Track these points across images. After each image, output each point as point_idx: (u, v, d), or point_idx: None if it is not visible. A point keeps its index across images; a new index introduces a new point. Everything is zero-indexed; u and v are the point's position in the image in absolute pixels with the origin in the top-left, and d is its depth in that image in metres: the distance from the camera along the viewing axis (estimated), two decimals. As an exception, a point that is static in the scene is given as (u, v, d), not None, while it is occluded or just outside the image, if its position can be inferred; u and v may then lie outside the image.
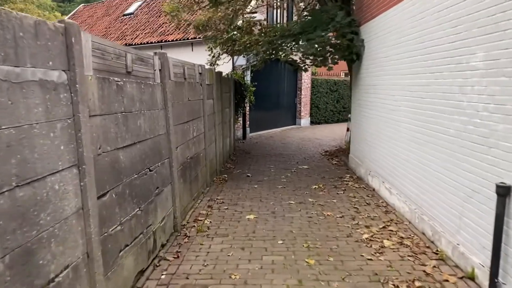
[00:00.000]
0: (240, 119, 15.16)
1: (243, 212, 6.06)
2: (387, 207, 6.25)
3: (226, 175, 8.64)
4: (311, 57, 10.57)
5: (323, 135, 16.27)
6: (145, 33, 18.96)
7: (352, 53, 8.41)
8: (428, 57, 4.92)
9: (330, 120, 21.89)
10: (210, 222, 5.59)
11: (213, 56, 12.80)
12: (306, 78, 20.13)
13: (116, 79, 3.60)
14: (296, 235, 5.06)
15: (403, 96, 5.82)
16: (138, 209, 3.98)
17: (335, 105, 22.05)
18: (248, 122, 16.05)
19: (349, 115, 12.47)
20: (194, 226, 5.44)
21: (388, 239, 4.87)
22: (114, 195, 3.45)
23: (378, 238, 4.90)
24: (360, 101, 8.46)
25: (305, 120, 20.35)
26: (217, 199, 6.79)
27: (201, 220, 5.68)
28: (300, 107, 19.98)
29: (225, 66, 13.48)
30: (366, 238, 4.89)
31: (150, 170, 4.39)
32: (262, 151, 12.32)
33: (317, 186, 7.58)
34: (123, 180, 3.64)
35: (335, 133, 17.16)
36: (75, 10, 26.52)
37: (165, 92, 5.03)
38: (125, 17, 21.24)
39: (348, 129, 12.25)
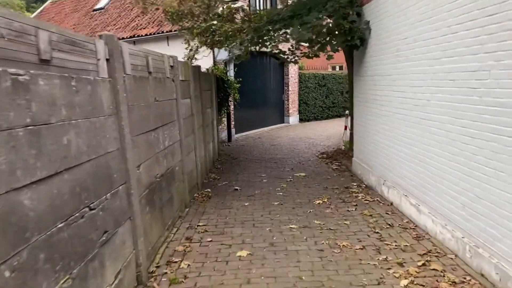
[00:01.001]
0: (224, 119, 13.72)
1: (233, 245, 4.63)
2: (416, 230, 4.89)
3: (209, 190, 7.20)
4: (306, 45, 9.20)
5: (316, 134, 14.92)
6: (116, 29, 17.34)
7: (355, 37, 7.03)
8: (484, 31, 3.56)
9: (320, 117, 20.59)
10: (188, 265, 4.13)
11: (191, 50, 11.31)
12: (293, 73, 18.77)
13: (12, 71, 2.14)
14: (308, 285, 3.65)
15: (437, 87, 4.46)
16: (67, 277, 2.51)
17: (324, 101, 20.76)
18: (233, 123, 14.61)
19: (347, 112, 11.14)
20: (166, 272, 3.99)
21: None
22: (9, 273, 1.98)
23: (422, 286, 3.52)
24: (366, 95, 7.10)
25: (293, 118, 18.99)
26: (198, 225, 5.34)
27: (176, 262, 4.22)
28: (288, 104, 18.61)
29: (205, 60, 12.00)
30: (405, 286, 3.51)
31: (91, 209, 2.93)
32: (251, 155, 10.90)
33: (321, 201, 6.19)
34: (30, 241, 2.17)
35: (327, 131, 15.83)
36: (42, 7, 24.62)
37: (117, 91, 3.56)
38: (95, 12, 19.56)
39: (346, 127, 10.90)
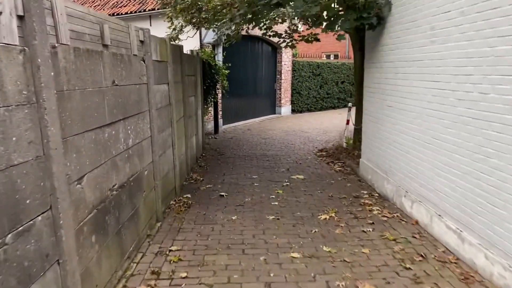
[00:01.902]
0: (211, 109, 12.40)
1: (215, 286, 3.38)
2: (460, 266, 3.70)
3: (189, 195, 5.93)
4: (304, 28, 7.94)
5: (310, 127, 13.69)
6: (95, 6, 15.84)
7: (371, 15, 5.77)
8: None
9: (313, 108, 19.36)
10: (150, 324, 2.88)
11: (174, 29, 9.95)
12: (286, 60, 17.45)
13: None
14: None
15: (501, 75, 3.23)
16: None
17: (318, 91, 19.52)
18: (220, 113, 13.31)
19: (349, 104, 9.92)
20: (116, 336, 2.73)
21: None
22: None
23: None
24: (382, 85, 5.87)
25: (285, 109, 17.74)
26: (170, 250, 4.07)
27: (133, 316, 2.96)
28: (280, 94, 17.32)
29: (190, 42, 10.64)
30: None
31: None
32: (239, 150, 9.63)
33: (327, 216, 4.97)
34: None
35: (323, 124, 14.61)
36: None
37: (37, 68, 2.26)
38: (72, -13, 17.89)
39: (348, 122, 9.69)
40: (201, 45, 12.12)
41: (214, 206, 5.45)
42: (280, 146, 10.16)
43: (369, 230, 4.51)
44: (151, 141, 4.74)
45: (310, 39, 9.73)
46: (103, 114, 3.29)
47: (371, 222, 4.76)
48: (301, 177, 6.98)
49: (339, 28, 5.83)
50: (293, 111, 18.33)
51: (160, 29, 10.78)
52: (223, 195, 5.93)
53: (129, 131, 3.97)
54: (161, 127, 5.28)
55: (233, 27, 7.16)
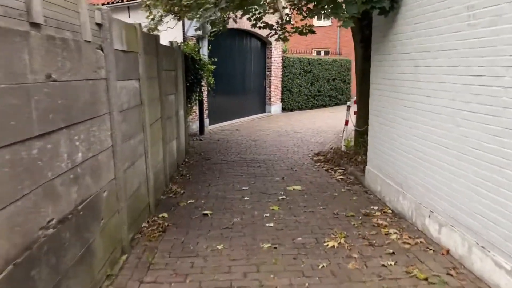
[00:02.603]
0: (196, 108, 11.39)
1: None
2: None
3: (166, 214, 4.93)
4: (305, 11, 7.03)
5: (303, 127, 12.74)
6: (69, -3, 14.63)
7: (383, -3, 4.83)
8: None
9: (304, 106, 18.44)
10: None
11: (153, 19, 8.91)
12: (276, 56, 16.48)
13: None
14: None
15: None
16: None
17: (309, 89, 18.60)
18: (206, 112, 12.29)
19: (348, 103, 9.00)
20: None
21: None
22: None
23: None
24: (395, 81, 4.94)
25: (276, 107, 16.77)
26: (135, 301, 3.08)
27: None
28: (270, 91, 16.35)
29: (172, 35, 9.58)
30: None
31: None
32: (227, 154, 8.64)
33: (335, 243, 4.01)
34: None
35: (315, 123, 13.68)
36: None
37: None
38: (46, -22, 16.65)
39: (347, 122, 8.75)
40: (184, 38, 11.09)
41: (196, 230, 4.46)
42: (272, 149, 9.19)
43: (391, 264, 3.57)
44: (113, 153, 3.72)
45: (304, 31, 8.77)
46: (28, 121, 2.28)
47: (391, 251, 3.82)
48: (299, 188, 6.02)
49: (345, 13, 4.85)
50: (283, 109, 17.38)
51: (140, 20, 9.72)
52: (207, 214, 4.93)
53: (77, 143, 2.95)
54: (129, 133, 4.27)
55: (218, 13, 6.15)
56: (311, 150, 9.01)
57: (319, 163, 7.61)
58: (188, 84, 9.13)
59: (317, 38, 23.07)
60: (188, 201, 5.45)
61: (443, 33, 3.83)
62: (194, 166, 7.59)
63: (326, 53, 22.77)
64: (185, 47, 9.32)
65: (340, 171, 6.90)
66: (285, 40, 8.97)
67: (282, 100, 17.33)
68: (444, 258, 3.69)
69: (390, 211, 4.97)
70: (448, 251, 3.77)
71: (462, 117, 3.56)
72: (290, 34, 8.94)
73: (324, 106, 19.70)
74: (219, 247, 3.98)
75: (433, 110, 4.07)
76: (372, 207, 5.12)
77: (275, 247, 3.97)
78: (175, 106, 7.22)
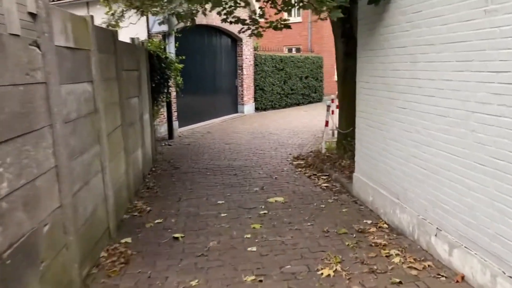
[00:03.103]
0: (164, 110, 10.61)
1: None
2: None
3: (129, 239, 4.20)
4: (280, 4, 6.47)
5: (279, 128, 12.15)
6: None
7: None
8: None
9: (278, 105, 17.88)
10: None
11: (112, 14, 8.12)
12: (248, 54, 15.83)
13: None
14: None
15: None
16: None
17: (282, 87, 18.06)
18: (175, 114, 11.51)
19: (328, 103, 8.45)
20: None
21: None
22: None
23: None
24: (389, 79, 4.37)
25: (248, 107, 16.13)
26: None
27: None
28: (242, 90, 15.69)
29: (135, 32, 8.74)
30: None
31: None
32: (199, 161, 7.93)
33: (331, 271, 3.39)
34: None
35: (291, 123, 13.12)
36: None
37: None
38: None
39: (327, 123, 8.20)
40: (149, 35, 10.28)
41: (165, 259, 3.76)
42: (248, 154, 8.54)
43: (400, 299, 2.99)
44: (58, 175, 2.98)
45: (279, 26, 8.16)
46: None
47: (398, 280, 3.24)
48: (281, 199, 5.40)
49: (332, 1, 4.25)
50: (256, 109, 16.77)
51: (100, 17, 8.89)
52: (177, 238, 4.23)
53: (1, 169, 2.22)
54: (79, 148, 3.52)
55: (185, 5, 5.44)
56: (290, 154, 8.42)
57: (300, 169, 7.01)
58: (153, 85, 8.37)
59: (288, 35, 22.56)
60: (156, 221, 4.73)
61: (450, 23, 3.28)
62: (163, 176, 6.85)
63: (298, 50, 22.31)
64: (149, 44, 8.54)
65: (324, 177, 6.33)
66: (258, 35, 8.31)
67: (255, 100, 16.71)
68: (459, 287, 3.15)
69: (386, 225, 4.41)
70: (463, 277, 3.22)
71: (478, 120, 3.02)
72: (264, 29, 8.31)
73: (298, 104, 19.23)
74: (193, 283, 3.30)
75: (436, 112, 3.52)
76: (365, 221, 4.55)
77: (260, 280, 3.32)
78: (139, 110, 6.46)
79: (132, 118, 5.96)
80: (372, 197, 4.88)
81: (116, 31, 5.39)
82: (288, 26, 8.01)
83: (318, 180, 6.24)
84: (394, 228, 4.32)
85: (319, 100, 21.00)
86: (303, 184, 6.09)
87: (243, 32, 8.51)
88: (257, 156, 8.29)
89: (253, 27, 8.37)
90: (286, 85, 18.28)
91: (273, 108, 17.62)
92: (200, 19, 12.50)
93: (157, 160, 8.03)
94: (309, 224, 4.52)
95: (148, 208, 5.18)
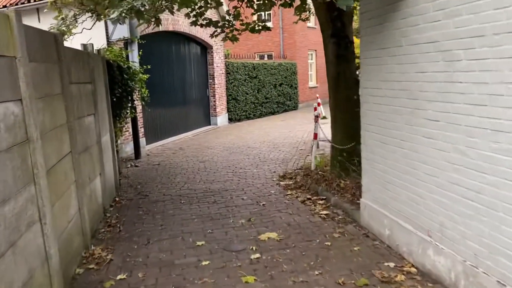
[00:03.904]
0: (129, 126, 9.48)
1: None
2: None
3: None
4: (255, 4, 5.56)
5: (256, 140, 11.18)
6: (-37, -1, 12.08)
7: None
8: None
9: (252, 115, 16.94)
10: None
11: (63, 19, 6.98)
12: (219, 62, 14.84)
13: None
14: None
15: None
16: None
17: (256, 96, 17.15)
18: (142, 130, 10.36)
19: (316, 113, 7.53)
20: None
21: None
22: None
23: None
24: (412, 84, 3.47)
25: (222, 118, 15.10)
26: None
27: None
28: (214, 101, 14.65)
29: (92, 40, 7.57)
30: None
31: None
32: (171, 186, 6.84)
33: None
34: None
35: (269, 135, 12.18)
36: None
37: None
38: None
39: (316, 136, 7.26)
40: (109, 43, 9.13)
41: None
42: (226, 173, 7.51)
43: None
44: None
45: (257, 28, 7.25)
46: None
47: None
48: (275, 236, 4.38)
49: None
50: (230, 120, 15.76)
51: (49, 24, 7.69)
52: (146, 306, 3.15)
53: None
54: (-4, 198, 2.43)
55: (146, 2, 4.39)
56: (274, 172, 7.44)
57: (290, 191, 6.04)
58: (114, 99, 7.23)
59: (259, 41, 21.74)
60: (118, 277, 3.63)
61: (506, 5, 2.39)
62: (128, 208, 5.73)
63: (270, 57, 21.48)
64: (108, 52, 7.41)
65: (320, 202, 5.36)
66: (234, 39, 7.35)
67: (228, 110, 15.71)
68: None
69: (414, 269, 3.48)
70: None
71: None
72: (240, 32, 7.35)
73: (273, 113, 18.36)
74: None
75: (493, 127, 2.62)
76: (386, 264, 3.60)
77: None
78: (96, 131, 5.33)
79: (87, 142, 4.84)
80: (390, 230, 3.94)
81: (60, 34, 4.29)
82: (267, 28, 7.13)
83: (315, 206, 5.27)
84: (425, 273, 3.39)
85: (295, 108, 20.22)
86: (298, 213, 5.10)
87: (216, 36, 7.53)
88: (237, 176, 7.26)
89: (227, 30, 7.40)
90: (260, 94, 17.39)
91: (248, 118, 16.67)
92: (166, 25, 11.45)
93: (122, 186, 6.88)
94: (316, 272, 3.52)
95: (109, 257, 4.06)
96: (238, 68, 16.01)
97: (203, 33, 13.40)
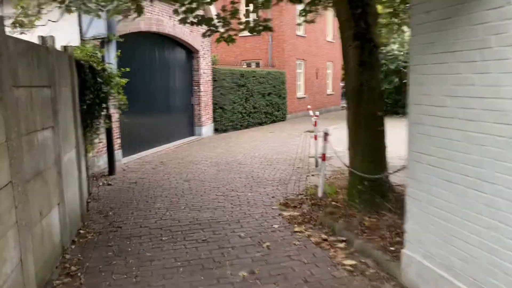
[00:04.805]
0: (103, 137, 8.24)
1: None
2: None
3: None
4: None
5: (247, 155, 10.06)
6: None
7: None
8: None
9: (239, 126, 15.82)
10: None
11: (23, 7, 5.79)
12: (205, 68, 13.71)
13: None
14: None
15: None
16: None
17: (244, 105, 16.05)
18: (119, 141, 9.13)
19: (324, 130, 6.42)
20: None
21: None
22: None
23: None
24: (508, 103, 2.40)
25: (207, 128, 13.93)
26: None
27: None
28: (199, 110, 13.48)
29: (63, 37, 6.31)
30: None
31: None
32: (150, 213, 5.64)
33: None
34: None
35: (259, 148, 11.09)
36: None
37: None
38: None
39: (324, 157, 6.16)
40: (83, 41, 7.89)
41: None
42: (216, 197, 6.35)
43: None
44: None
45: (257, 28, 6.19)
46: None
47: None
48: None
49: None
50: (216, 130, 14.60)
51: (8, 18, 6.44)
52: None
53: None
54: None
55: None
56: (273, 197, 6.32)
57: (297, 226, 4.92)
58: (85, 107, 6.03)
59: (246, 49, 20.70)
60: None
61: None
62: (94, 246, 4.50)
63: (257, 65, 20.45)
64: (78, 51, 6.20)
65: (340, 245, 4.25)
66: (229, 41, 6.24)
67: (214, 120, 14.55)
68: None
69: None
70: None
71: None
72: (237, 32, 6.26)
73: (261, 124, 17.31)
74: None
75: None
76: None
77: None
78: (54, 149, 4.12)
79: (39, 165, 3.63)
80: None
81: (0, 17, 3.09)
82: (269, 28, 6.04)
83: (334, 250, 4.15)
84: None
85: (283, 119, 19.21)
86: (315, 261, 3.97)
87: (209, 35, 6.40)
88: (229, 201, 6.12)
89: (222, 29, 6.30)
90: (248, 103, 16.30)
91: (235, 129, 15.54)
92: (149, 25, 10.27)
93: (90, 213, 5.65)
94: None
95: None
96: (225, 75, 14.91)
97: (189, 36, 12.28)
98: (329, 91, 25.71)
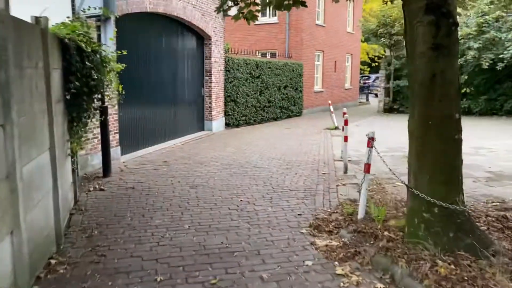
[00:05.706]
0: (97, 131, 7.10)
1: None
2: None
3: None
4: None
5: (263, 156, 8.81)
6: None
7: None
8: None
9: (253, 121, 14.59)
10: None
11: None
12: (217, 56, 12.45)
13: None
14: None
15: None
16: None
17: (258, 98, 14.80)
18: (116, 136, 7.94)
19: (369, 133, 5.11)
20: None
21: None
22: None
23: None
24: None
25: (218, 123, 12.70)
26: None
27: None
28: (210, 102, 12.24)
29: (55, 12, 5.04)
30: None
31: None
32: (144, 234, 4.42)
33: None
34: None
35: (276, 148, 9.83)
36: None
37: None
38: None
39: (368, 169, 4.84)
40: (74, 12, 6.66)
41: None
42: (229, 212, 5.13)
43: None
44: None
45: (286, 3, 4.92)
46: None
47: None
48: None
49: None
50: (227, 125, 13.39)
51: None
52: None
53: None
54: None
55: None
56: (299, 214, 5.08)
57: (339, 265, 3.66)
58: (69, 97, 4.84)
59: (262, 38, 19.39)
60: None
61: None
62: (66, 285, 3.30)
63: (273, 55, 19.12)
64: (61, 27, 4.97)
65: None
66: (251, 18, 4.97)
67: (226, 113, 13.31)
68: None
69: None
70: None
71: None
72: (261, 8, 4.98)
73: (275, 119, 16.06)
74: None
75: None
76: None
77: None
78: (6, 156, 2.90)
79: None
80: None
81: None
82: (303, 3, 4.76)
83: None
84: None
85: (299, 114, 17.92)
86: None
87: (224, 11, 5.14)
88: (245, 220, 4.89)
89: (241, 5, 5.04)
90: (262, 96, 15.03)
91: (247, 123, 14.31)
92: (155, 6, 9.03)
93: (70, 230, 4.46)
94: None
95: None
96: (239, 65, 13.63)
97: (200, 20, 11.01)
98: (347, 85, 24.32)
